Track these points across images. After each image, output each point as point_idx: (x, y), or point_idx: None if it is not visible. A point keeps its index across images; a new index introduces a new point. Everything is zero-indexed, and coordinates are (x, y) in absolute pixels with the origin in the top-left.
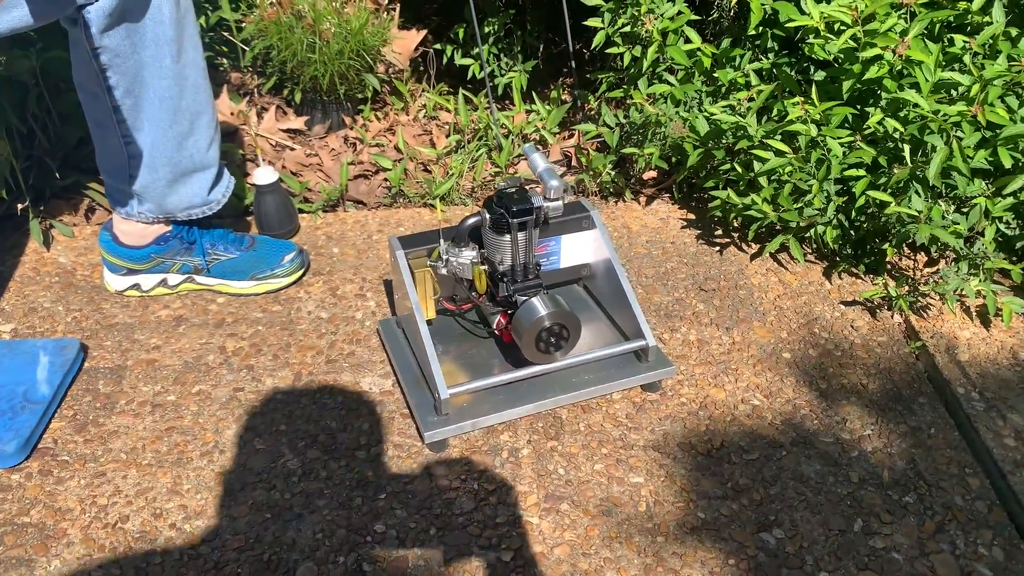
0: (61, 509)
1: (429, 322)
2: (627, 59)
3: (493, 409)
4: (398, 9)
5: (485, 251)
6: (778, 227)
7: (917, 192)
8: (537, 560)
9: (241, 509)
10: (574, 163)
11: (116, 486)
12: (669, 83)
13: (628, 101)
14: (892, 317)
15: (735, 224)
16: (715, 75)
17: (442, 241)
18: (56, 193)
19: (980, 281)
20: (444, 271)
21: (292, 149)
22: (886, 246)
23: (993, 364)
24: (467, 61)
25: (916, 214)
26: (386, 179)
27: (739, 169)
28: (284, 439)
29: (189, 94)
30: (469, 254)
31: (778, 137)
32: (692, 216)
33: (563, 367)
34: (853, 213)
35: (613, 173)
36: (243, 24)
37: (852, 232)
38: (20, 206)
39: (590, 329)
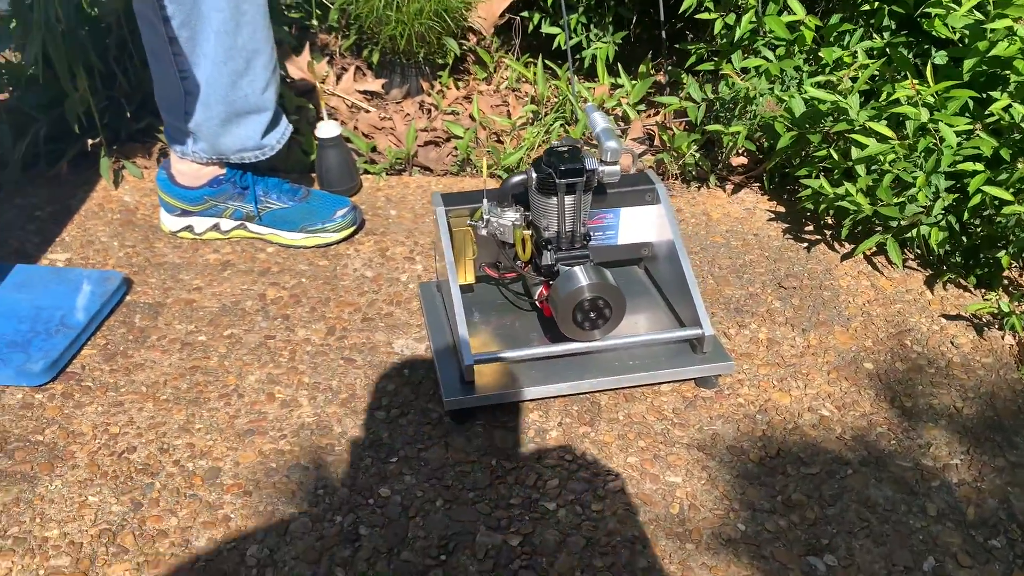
0: (74, 432)
1: (468, 287)
2: (718, 27)
3: (523, 384)
4: None
5: (531, 215)
6: (876, 225)
7: None
8: (546, 550)
9: (247, 455)
10: (656, 142)
11: (130, 416)
12: (766, 59)
13: (720, 73)
14: (1003, 338)
15: (828, 219)
16: (819, 53)
17: (486, 201)
18: (132, 135)
19: None
20: (484, 232)
21: (367, 111)
22: (1002, 255)
23: None
24: (554, 30)
25: None
26: (456, 147)
27: (835, 156)
28: (305, 391)
29: (246, 31)
30: (512, 215)
31: (883, 121)
32: (781, 209)
33: (606, 348)
34: (965, 214)
35: (698, 155)
36: None
37: (963, 236)
38: (91, 142)
39: (644, 314)
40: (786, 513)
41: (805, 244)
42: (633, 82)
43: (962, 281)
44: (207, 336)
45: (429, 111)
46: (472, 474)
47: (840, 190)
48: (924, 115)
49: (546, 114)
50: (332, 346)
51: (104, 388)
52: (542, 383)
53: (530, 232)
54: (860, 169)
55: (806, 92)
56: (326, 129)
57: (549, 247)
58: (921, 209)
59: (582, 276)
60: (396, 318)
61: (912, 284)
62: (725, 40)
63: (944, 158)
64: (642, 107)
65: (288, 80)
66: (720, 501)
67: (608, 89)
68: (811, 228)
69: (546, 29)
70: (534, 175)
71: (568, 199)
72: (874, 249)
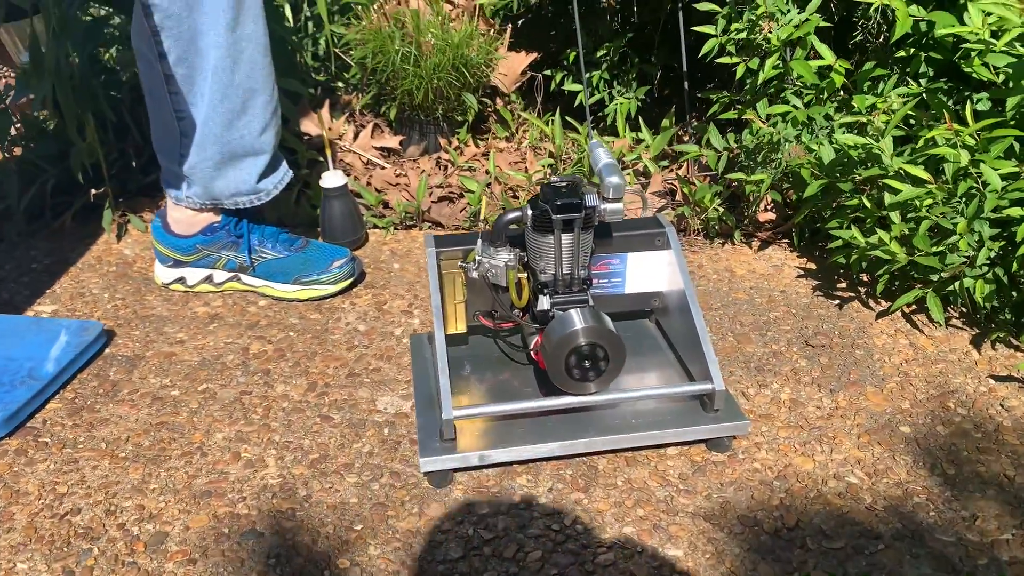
0: (19, 491)
1: (461, 338)
2: (740, 71)
3: (509, 443)
4: (508, 30)
5: (527, 256)
6: (915, 280)
7: None
8: None
9: (199, 518)
10: (678, 196)
11: (83, 475)
12: (794, 106)
13: (743, 120)
14: None
15: (862, 275)
16: (851, 101)
17: (480, 241)
18: (141, 188)
19: None
20: (475, 274)
21: (382, 168)
22: None
23: None
24: (576, 87)
25: None
26: (468, 202)
27: (868, 204)
28: (273, 450)
29: (243, 69)
30: (505, 256)
31: (920, 166)
32: (812, 265)
33: (604, 403)
34: (1014, 264)
35: (721, 210)
36: (345, 36)
37: (1012, 291)
38: (94, 192)
39: (653, 371)
40: None
41: (837, 301)
42: (655, 136)
43: (1012, 340)
44: (180, 391)
45: (445, 167)
46: (445, 545)
47: (873, 239)
48: (964, 158)
49: (564, 169)
50: (310, 403)
51: (61, 444)
52: (531, 442)
53: (526, 275)
54: (895, 216)
55: (836, 140)
56: (331, 179)
57: (545, 291)
58: (964, 259)
59: (577, 319)
60: (384, 373)
61: (956, 343)
62: (748, 86)
63: (988, 202)
64: (665, 163)
65: (305, 137)
66: None
67: (629, 144)
68: (844, 285)
69: (568, 86)
70: (529, 212)
71: (565, 238)
72: (913, 306)
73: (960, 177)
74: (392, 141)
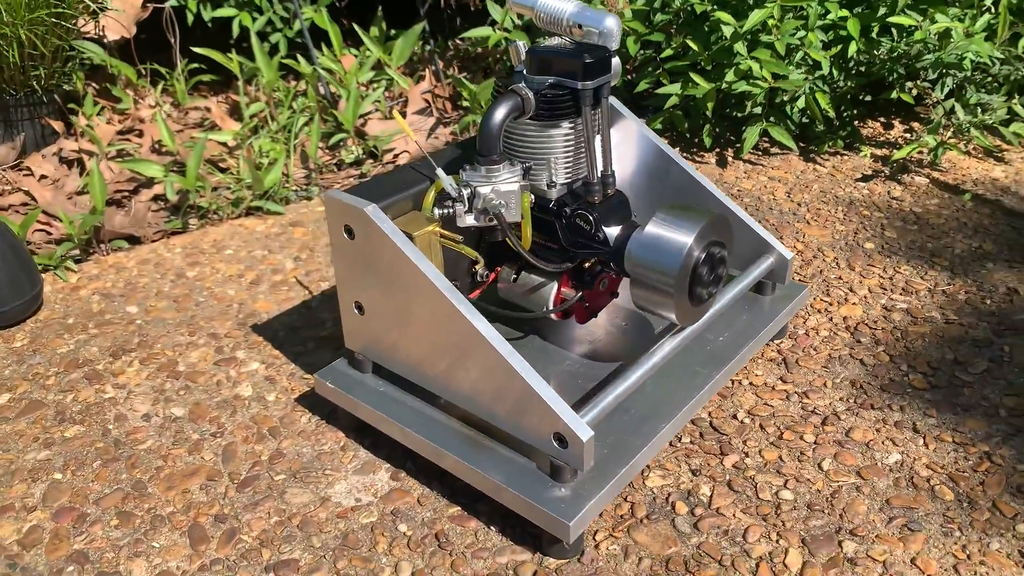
0: None
1: None
2: None
3: (635, 438)
4: None
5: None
6: (738, 119)
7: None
8: None
9: None
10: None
11: None
12: None
13: None
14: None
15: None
16: None
17: (439, 171)
18: None
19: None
20: (471, 218)
21: None
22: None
23: None
24: (227, 12)
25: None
26: (161, 196)
27: (694, 47)
28: None
29: None
30: (512, 174)
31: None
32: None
33: (700, 328)
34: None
35: None
36: None
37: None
38: None
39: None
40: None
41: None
42: (385, 44)
43: (857, 145)
44: None
45: (78, 163)
46: None
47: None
48: None
49: (273, 116)
50: None
51: None
52: (659, 422)
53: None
54: (740, 47)
55: None
56: None
57: (575, 210)
58: (805, 76)
59: (678, 228)
60: (309, 465)
61: (806, 165)
62: None
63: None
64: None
65: None
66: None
67: (354, 61)
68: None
69: (212, 15)
70: (528, 93)
71: (594, 115)
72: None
73: None
74: None
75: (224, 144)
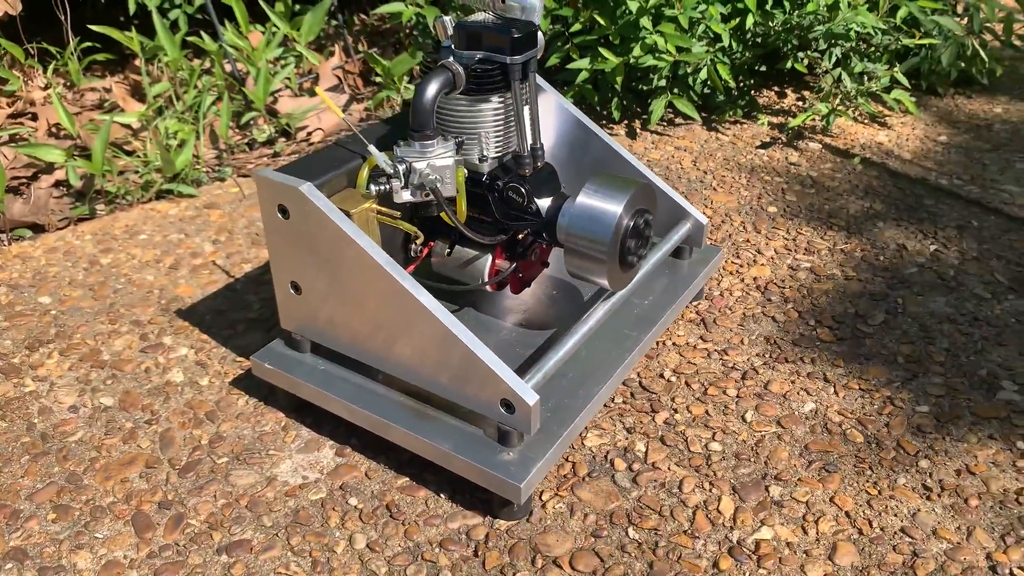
0: None
1: None
2: None
3: (574, 400)
4: None
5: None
6: (642, 92)
7: None
8: None
9: None
10: (349, 86)
11: None
12: None
13: None
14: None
15: (595, 100)
16: None
17: (372, 147)
18: None
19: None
20: (407, 194)
21: None
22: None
23: None
24: None
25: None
26: (63, 182)
27: (602, 22)
28: None
29: None
30: (447, 149)
31: None
32: None
33: (627, 293)
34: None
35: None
36: None
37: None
38: None
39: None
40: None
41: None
42: (291, 20)
43: (755, 114)
44: None
45: None
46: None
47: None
48: None
49: (179, 95)
50: None
51: None
52: (596, 383)
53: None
54: (645, 22)
55: None
56: None
57: (507, 182)
58: (706, 49)
59: (608, 197)
60: (250, 446)
61: (708, 135)
62: None
63: None
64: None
65: None
66: (884, 403)
67: (262, 37)
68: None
69: None
70: (458, 68)
71: (522, 89)
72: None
73: None
74: None
75: (128, 126)
